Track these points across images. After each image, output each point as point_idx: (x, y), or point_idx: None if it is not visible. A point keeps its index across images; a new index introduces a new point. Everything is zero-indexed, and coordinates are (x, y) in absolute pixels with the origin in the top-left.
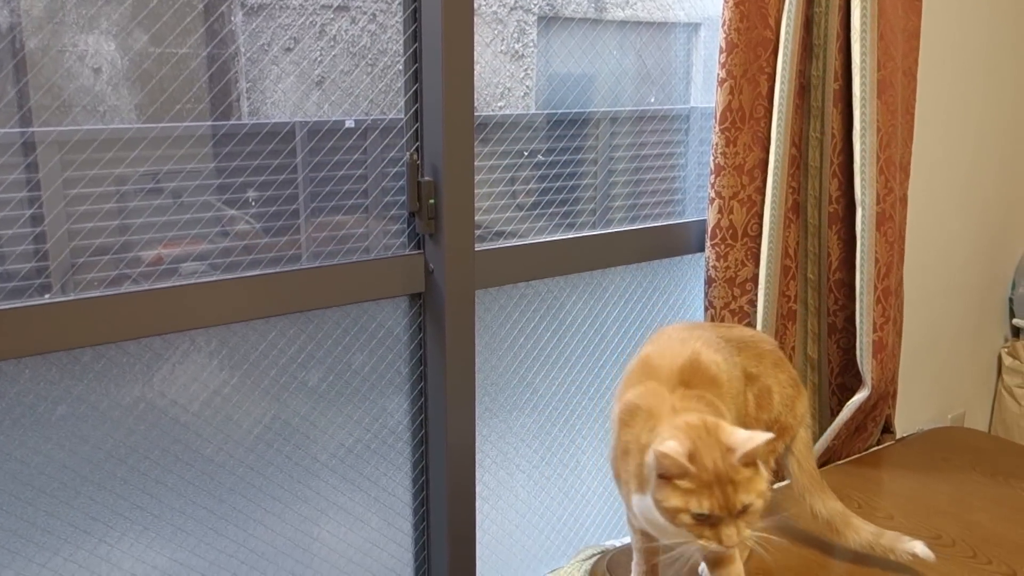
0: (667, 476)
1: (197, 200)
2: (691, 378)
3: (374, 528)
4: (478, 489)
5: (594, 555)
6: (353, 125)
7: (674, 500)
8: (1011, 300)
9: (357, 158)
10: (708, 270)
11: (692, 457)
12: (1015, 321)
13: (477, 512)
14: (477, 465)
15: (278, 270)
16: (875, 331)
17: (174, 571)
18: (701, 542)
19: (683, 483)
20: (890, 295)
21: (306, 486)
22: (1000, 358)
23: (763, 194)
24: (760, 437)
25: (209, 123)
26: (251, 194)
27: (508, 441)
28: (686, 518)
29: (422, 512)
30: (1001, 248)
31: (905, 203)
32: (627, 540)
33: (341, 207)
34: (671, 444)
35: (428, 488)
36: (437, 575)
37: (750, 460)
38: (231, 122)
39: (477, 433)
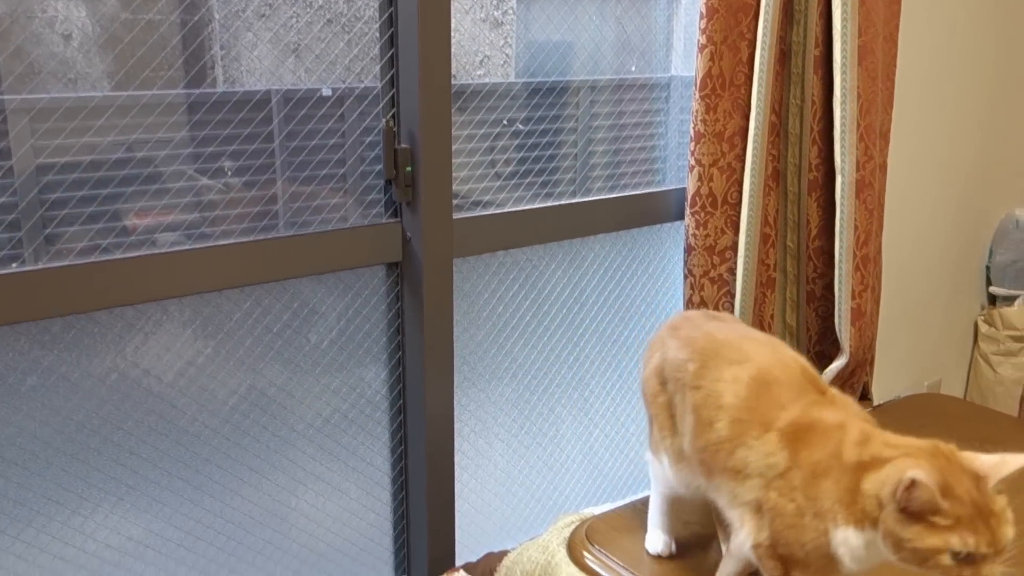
0: (916, 512)
1: (170, 169)
2: (810, 378)
3: (352, 497)
4: (456, 458)
5: (573, 523)
6: (329, 92)
7: (931, 540)
8: (988, 268)
9: (333, 126)
10: (688, 238)
11: (945, 489)
12: (992, 289)
13: (455, 481)
14: (455, 434)
15: (253, 239)
16: (853, 298)
17: (149, 541)
18: None
19: (939, 519)
20: (869, 263)
21: (283, 456)
22: (976, 325)
23: (743, 161)
24: (1016, 461)
25: (182, 90)
26: (225, 162)
27: (486, 410)
28: (945, 559)
29: (400, 481)
30: (979, 216)
31: (885, 170)
32: (606, 508)
33: (317, 175)
34: (919, 473)
35: (406, 457)
36: (415, 544)
37: (1001, 488)
38: (204, 89)
39: (455, 402)
